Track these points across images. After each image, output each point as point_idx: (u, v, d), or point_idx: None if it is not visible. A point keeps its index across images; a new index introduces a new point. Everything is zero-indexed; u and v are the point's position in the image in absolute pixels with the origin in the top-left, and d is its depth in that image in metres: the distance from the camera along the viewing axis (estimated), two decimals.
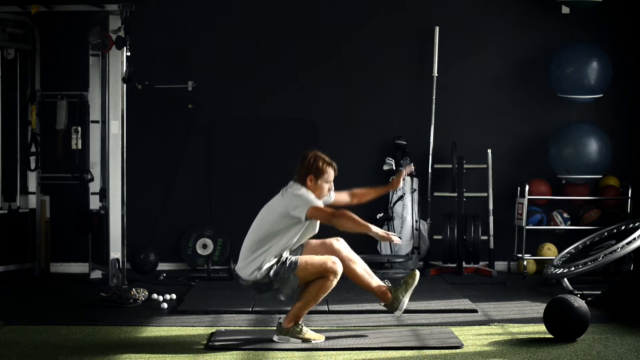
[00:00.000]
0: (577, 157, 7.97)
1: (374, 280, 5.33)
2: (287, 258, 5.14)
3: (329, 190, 5.27)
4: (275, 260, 5.13)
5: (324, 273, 5.09)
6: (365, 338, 5.28)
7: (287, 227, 5.11)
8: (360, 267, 5.30)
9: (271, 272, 5.09)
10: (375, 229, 5.06)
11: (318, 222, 5.20)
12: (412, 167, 5.70)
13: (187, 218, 8.27)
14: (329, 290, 5.15)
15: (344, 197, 5.49)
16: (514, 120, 8.39)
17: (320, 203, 5.14)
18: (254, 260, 5.13)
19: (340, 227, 5.07)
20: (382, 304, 5.36)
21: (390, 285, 5.37)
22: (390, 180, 5.51)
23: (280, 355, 4.92)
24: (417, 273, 5.38)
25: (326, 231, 5.37)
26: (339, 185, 7.96)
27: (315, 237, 5.33)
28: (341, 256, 5.23)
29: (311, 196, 5.11)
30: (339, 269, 5.11)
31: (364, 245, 8.25)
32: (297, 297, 5.16)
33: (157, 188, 8.27)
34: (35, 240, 7.96)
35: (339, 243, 5.31)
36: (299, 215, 5.07)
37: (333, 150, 8.17)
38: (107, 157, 7.47)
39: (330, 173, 5.23)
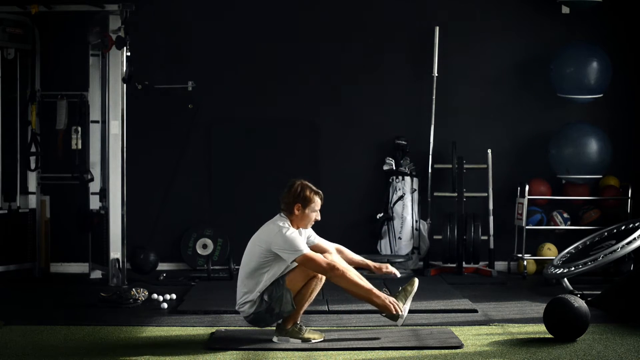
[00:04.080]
0: (577, 157, 7.97)
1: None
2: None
3: (316, 219, 5.21)
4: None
5: (324, 272, 5.08)
6: (365, 338, 5.28)
7: (274, 260, 5.09)
8: (357, 276, 5.18)
9: (265, 296, 5.09)
10: (378, 294, 5.05)
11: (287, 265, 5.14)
12: (392, 271, 5.43)
13: (187, 218, 8.27)
14: (321, 285, 5.14)
15: (328, 248, 5.32)
16: (514, 120, 8.39)
17: (307, 248, 5.02)
18: (250, 294, 5.13)
19: (337, 283, 5.06)
20: (384, 314, 5.30)
21: (389, 294, 5.32)
22: (374, 267, 5.41)
23: (280, 355, 4.92)
24: (416, 280, 5.37)
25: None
26: (341, 188, 8.03)
27: None
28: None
29: (298, 241, 5.01)
30: (332, 264, 5.07)
31: (363, 245, 8.26)
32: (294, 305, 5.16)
33: (157, 188, 8.26)
34: (35, 240, 7.96)
35: (333, 256, 5.19)
36: (286, 259, 5.05)
37: (333, 150, 8.27)
38: (107, 157, 7.47)
39: (317, 202, 5.19)
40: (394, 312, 5.11)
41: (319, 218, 5.25)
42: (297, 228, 5.20)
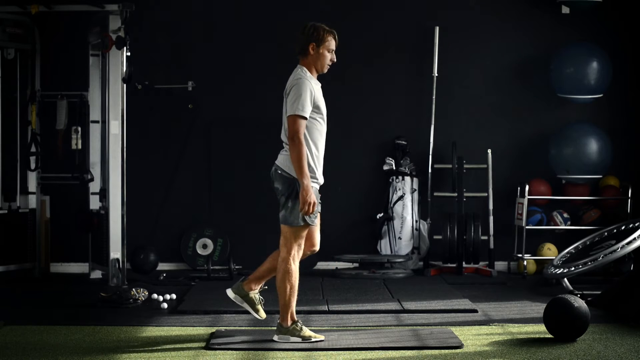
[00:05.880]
0: (577, 157, 7.97)
1: (262, 281, 5.38)
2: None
3: (332, 61, 5.21)
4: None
5: (288, 250, 5.09)
6: (365, 338, 5.28)
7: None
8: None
9: (297, 185, 5.05)
10: (307, 183, 4.98)
11: (324, 124, 5.17)
12: None
13: (187, 218, 8.27)
14: (293, 275, 5.11)
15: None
16: (514, 120, 8.39)
17: (305, 113, 5.02)
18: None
19: (290, 150, 5.04)
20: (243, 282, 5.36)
21: (257, 293, 5.39)
22: None
23: (280, 355, 4.92)
24: (263, 317, 5.43)
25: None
26: (341, 188, 8.02)
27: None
28: (311, 245, 5.28)
29: (305, 102, 5.00)
30: (297, 262, 5.12)
31: (363, 245, 8.27)
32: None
33: (157, 188, 8.26)
34: (35, 240, 7.95)
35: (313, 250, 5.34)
36: (285, 109, 5.07)
37: (333, 150, 8.25)
38: (107, 157, 7.47)
39: (331, 40, 5.19)
40: (306, 211, 4.99)
41: (334, 59, 5.23)
42: (317, 72, 5.17)
